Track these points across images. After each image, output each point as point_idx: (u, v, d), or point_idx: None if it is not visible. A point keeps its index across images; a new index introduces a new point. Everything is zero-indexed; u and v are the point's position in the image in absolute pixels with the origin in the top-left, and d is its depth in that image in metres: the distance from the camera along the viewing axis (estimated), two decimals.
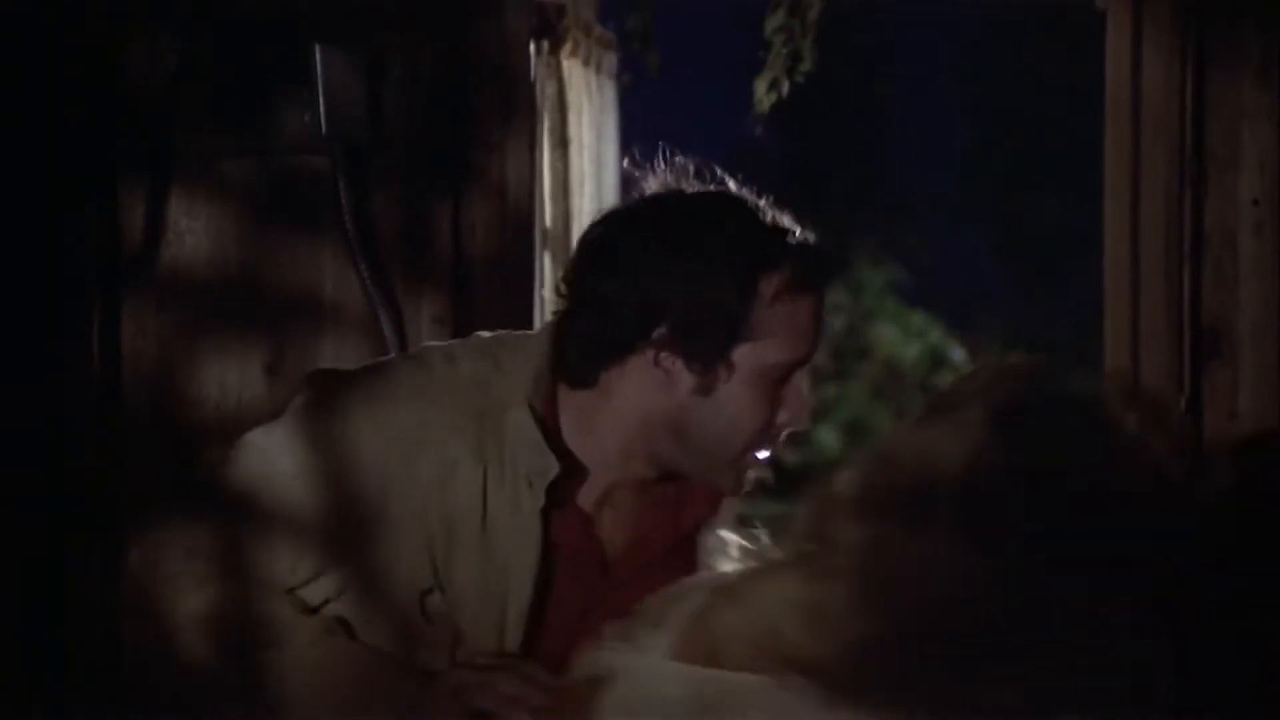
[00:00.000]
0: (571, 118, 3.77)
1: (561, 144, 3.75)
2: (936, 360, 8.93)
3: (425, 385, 2.55)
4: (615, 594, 2.57)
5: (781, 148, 10.31)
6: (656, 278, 2.49)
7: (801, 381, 2.55)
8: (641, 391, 2.52)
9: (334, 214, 3.51)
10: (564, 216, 3.77)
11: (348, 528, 2.54)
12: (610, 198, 4.15)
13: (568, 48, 3.76)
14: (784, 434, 2.58)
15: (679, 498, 2.66)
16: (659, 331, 2.48)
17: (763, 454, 2.58)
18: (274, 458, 2.55)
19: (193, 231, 3.55)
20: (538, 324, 3.64)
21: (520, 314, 3.58)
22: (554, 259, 3.77)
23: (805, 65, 4.23)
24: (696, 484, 2.62)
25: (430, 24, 3.56)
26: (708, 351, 2.49)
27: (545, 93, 3.73)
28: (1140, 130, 3.78)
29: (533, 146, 3.60)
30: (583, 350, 2.53)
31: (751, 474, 2.59)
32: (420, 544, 2.54)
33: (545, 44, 3.70)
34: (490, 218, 3.58)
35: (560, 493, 2.55)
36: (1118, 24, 3.78)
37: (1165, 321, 3.77)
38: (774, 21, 4.23)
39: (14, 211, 3.45)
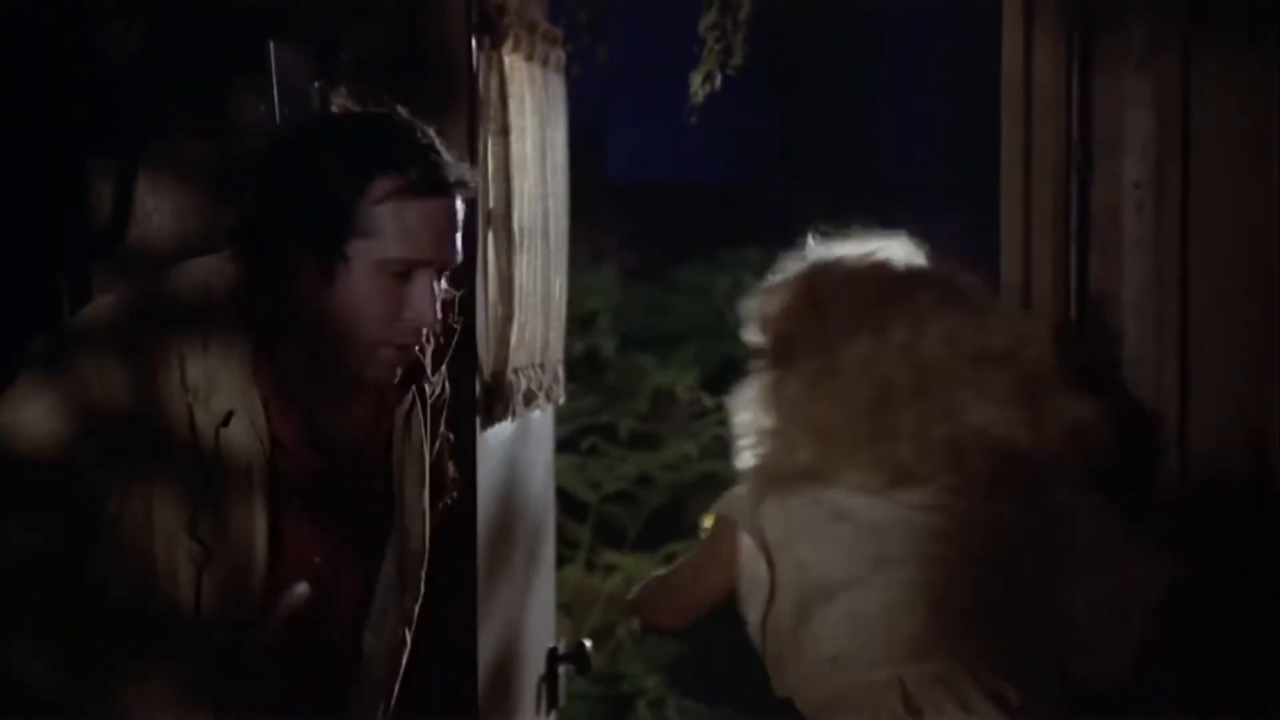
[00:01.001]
0: (513, 107, 3.81)
1: (502, 132, 3.78)
2: None
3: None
4: (341, 488, 2.73)
5: (777, 128, 10.35)
6: (286, 178, 2.61)
7: (426, 281, 2.64)
8: (287, 284, 2.63)
9: None
10: (505, 198, 3.81)
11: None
12: (559, 180, 4.21)
13: (509, 43, 3.80)
14: (418, 330, 2.67)
15: (378, 396, 2.78)
16: (290, 226, 2.60)
17: (400, 344, 2.68)
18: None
19: (158, 211, 3.59)
20: (479, 294, 3.69)
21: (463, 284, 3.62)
22: (495, 237, 3.81)
23: (737, 60, 4.27)
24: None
25: (376, 19, 3.60)
26: (322, 243, 2.59)
27: (489, 85, 3.76)
28: (1032, 118, 3.82)
29: (472, 133, 3.63)
30: (245, 253, 2.65)
31: (392, 364, 2.69)
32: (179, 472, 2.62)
33: (487, 40, 3.74)
34: None
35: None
36: (1010, 19, 3.83)
37: (1054, 293, 3.82)
38: (707, 20, 4.28)
39: None
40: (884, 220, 3.49)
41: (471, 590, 3.68)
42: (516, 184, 3.85)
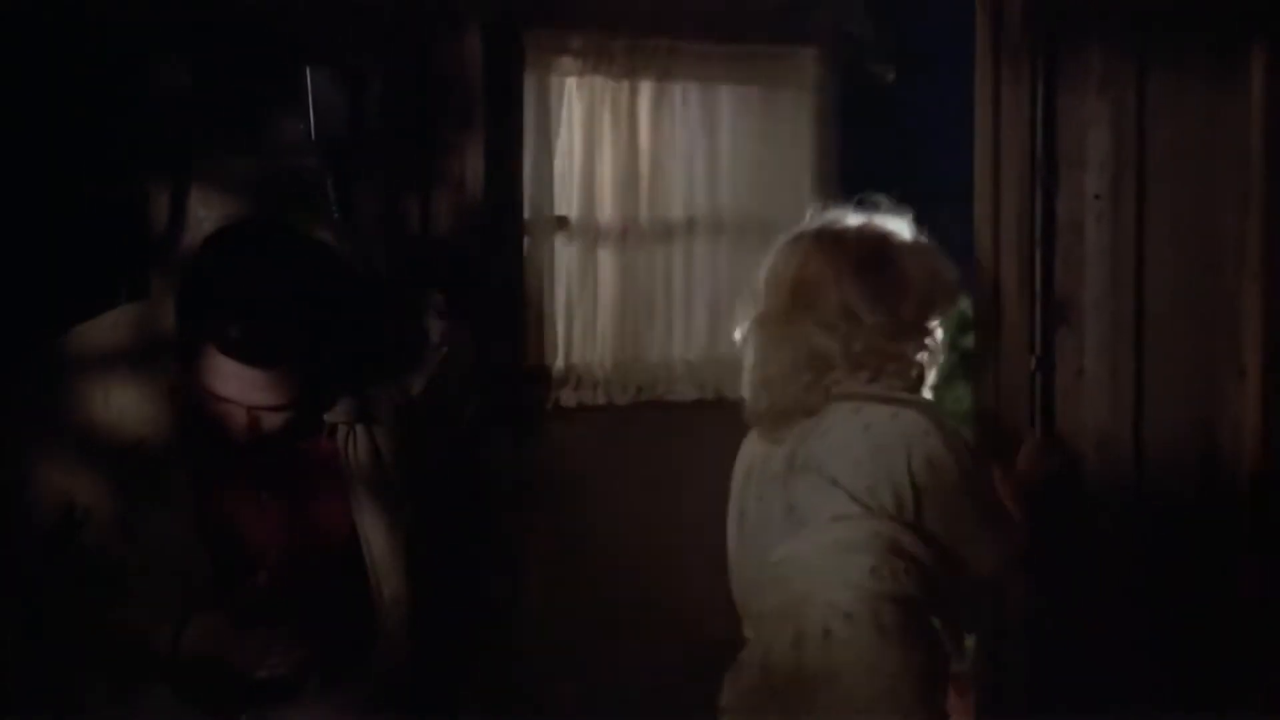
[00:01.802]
0: (564, 119, 3.87)
1: (545, 143, 3.86)
2: (963, 324, 8.99)
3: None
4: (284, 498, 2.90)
5: (849, 145, 10.38)
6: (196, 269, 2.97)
7: (233, 413, 2.85)
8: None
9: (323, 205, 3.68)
10: (547, 203, 3.90)
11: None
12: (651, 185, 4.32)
13: (560, 63, 3.87)
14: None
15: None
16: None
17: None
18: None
19: (208, 219, 3.64)
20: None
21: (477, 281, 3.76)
22: (530, 241, 3.91)
23: None
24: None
25: (401, 48, 3.73)
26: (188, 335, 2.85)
27: (539, 101, 3.84)
28: (1001, 136, 3.89)
29: (490, 148, 3.75)
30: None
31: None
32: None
33: (529, 59, 3.83)
34: (451, 207, 3.75)
35: None
36: (981, 45, 3.90)
37: (1021, 295, 3.90)
38: None
39: (60, 203, 3.64)
40: (933, 223, 3.57)
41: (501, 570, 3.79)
42: (561, 190, 3.93)
